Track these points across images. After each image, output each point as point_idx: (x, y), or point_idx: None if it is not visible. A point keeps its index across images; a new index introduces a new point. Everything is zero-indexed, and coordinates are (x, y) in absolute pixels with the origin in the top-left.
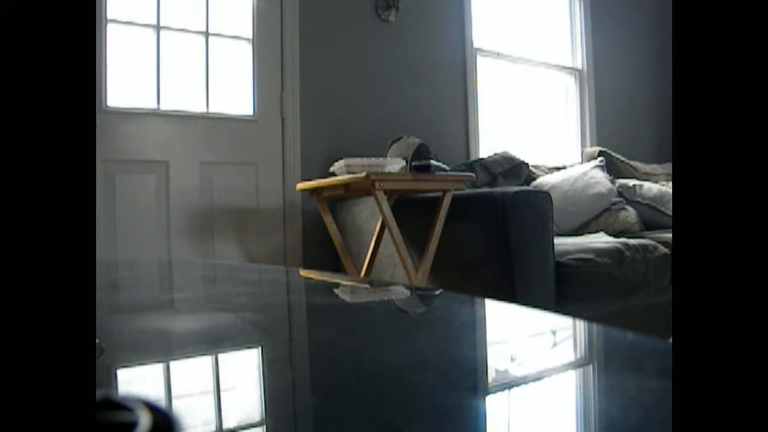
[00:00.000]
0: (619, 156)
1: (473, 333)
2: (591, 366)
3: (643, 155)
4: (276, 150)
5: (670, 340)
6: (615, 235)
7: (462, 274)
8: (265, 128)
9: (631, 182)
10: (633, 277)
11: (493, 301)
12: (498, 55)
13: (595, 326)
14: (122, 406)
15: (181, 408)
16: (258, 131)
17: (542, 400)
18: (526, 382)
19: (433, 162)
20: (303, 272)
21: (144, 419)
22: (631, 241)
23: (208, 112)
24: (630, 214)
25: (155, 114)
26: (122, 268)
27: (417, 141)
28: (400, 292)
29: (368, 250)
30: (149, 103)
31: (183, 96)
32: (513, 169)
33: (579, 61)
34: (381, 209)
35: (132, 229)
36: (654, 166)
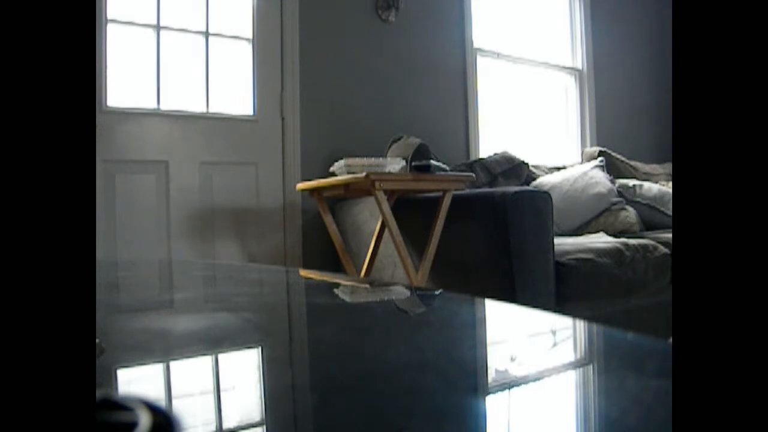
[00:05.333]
0: (619, 156)
1: (473, 333)
2: (591, 366)
3: (643, 155)
4: (276, 150)
5: (670, 340)
6: (615, 235)
7: (462, 274)
8: (265, 128)
9: (631, 182)
10: (633, 277)
11: (493, 301)
12: (498, 55)
13: (595, 326)
14: (122, 406)
15: (181, 408)
16: (258, 131)
17: (542, 400)
18: (526, 383)
19: (433, 162)
20: (303, 272)
21: (144, 419)
22: (631, 241)
23: (208, 112)
24: (630, 214)
25: (155, 114)
26: (122, 268)
27: (417, 141)
28: (400, 292)
29: (368, 250)
30: (149, 103)
31: (183, 96)
32: (513, 169)
33: (579, 61)
34: (381, 209)
35: (132, 229)
36: (654, 166)
